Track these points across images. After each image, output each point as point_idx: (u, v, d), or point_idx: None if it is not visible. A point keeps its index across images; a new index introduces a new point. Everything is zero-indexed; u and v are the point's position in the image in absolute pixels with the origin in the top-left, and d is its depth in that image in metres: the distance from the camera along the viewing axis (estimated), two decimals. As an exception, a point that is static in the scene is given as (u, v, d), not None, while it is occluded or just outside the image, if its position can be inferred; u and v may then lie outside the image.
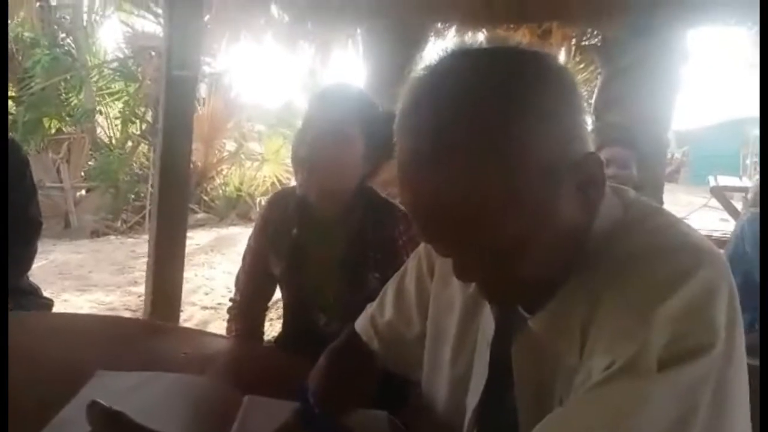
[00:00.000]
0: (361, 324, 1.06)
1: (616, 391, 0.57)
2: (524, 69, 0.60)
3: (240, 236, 7.18)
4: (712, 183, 6.95)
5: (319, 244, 1.44)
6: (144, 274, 4.88)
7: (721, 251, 0.67)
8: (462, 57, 0.62)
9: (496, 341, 0.77)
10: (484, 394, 0.79)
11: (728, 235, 2.60)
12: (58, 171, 7.26)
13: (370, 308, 1.06)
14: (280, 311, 1.66)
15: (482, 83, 0.58)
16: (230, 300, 1.63)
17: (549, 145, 0.58)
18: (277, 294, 1.61)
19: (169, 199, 2.43)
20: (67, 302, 3.93)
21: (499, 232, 0.59)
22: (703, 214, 7.78)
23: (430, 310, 0.92)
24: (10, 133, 1.93)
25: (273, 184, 8.57)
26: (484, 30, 3.91)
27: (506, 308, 0.76)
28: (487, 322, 0.80)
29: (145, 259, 5.35)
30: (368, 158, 1.37)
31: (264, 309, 1.62)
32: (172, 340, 1.33)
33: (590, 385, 0.59)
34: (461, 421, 0.83)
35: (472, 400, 0.81)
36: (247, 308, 1.58)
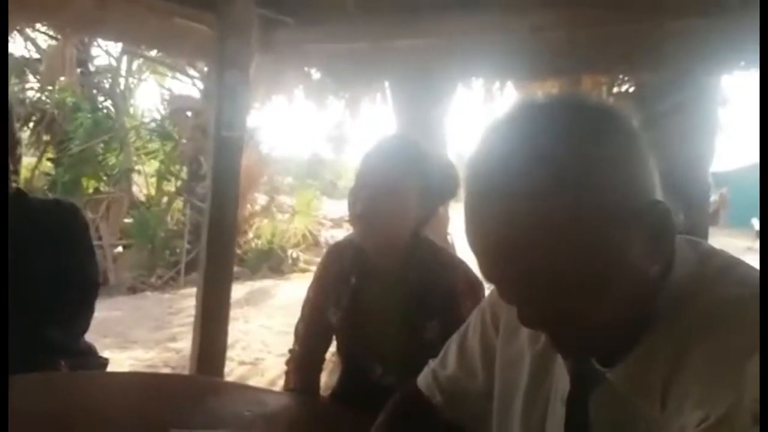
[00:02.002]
0: (422, 379, 1.06)
1: None
2: (590, 120, 0.64)
3: (273, 289, 7.22)
4: (756, 226, 6.74)
5: (376, 293, 1.44)
6: (181, 330, 4.94)
7: None
8: (530, 109, 0.66)
9: (572, 397, 0.76)
10: None
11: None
12: (96, 229, 7.45)
13: (432, 363, 1.06)
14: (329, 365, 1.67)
15: (550, 133, 0.62)
16: (289, 351, 1.64)
17: (615, 191, 0.60)
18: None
19: (217, 255, 2.48)
20: (109, 360, 3.96)
21: (563, 274, 0.60)
22: (750, 257, 7.53)
23: (498, 366, 0.91)
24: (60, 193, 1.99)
25: (304, 236, 8.66)
26: (511, 82, 3.97)
27: (579, 361, 0.75)
28: (561, 378, 0.78)
29: (182, 315, 5.44)
30: (423, 207, 1.39)
31: (322, 359, 1.63)
32: (234, 398, 1.33)
33: None
34: None
35: None
36: (307, 358, 1.59)
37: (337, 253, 1.55)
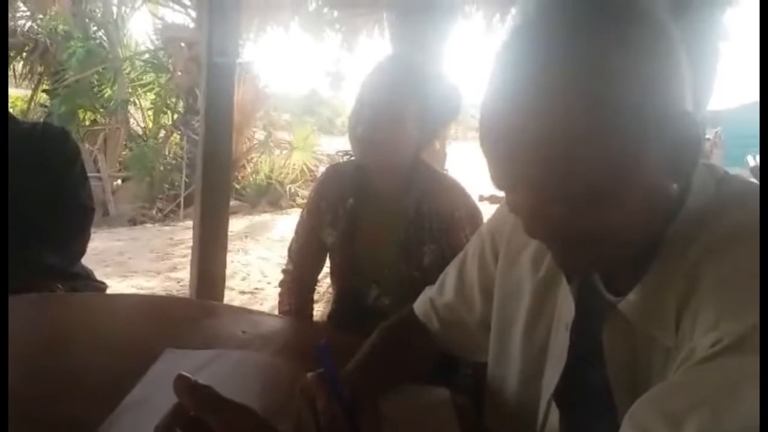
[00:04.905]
0: (418, 304, 1.06)
1: (723, 367, 0.53)
2: (613, 15, 0.57)
3: (271, 223, 7.27)
4: (752, 163, 6.66)
5: (375, 215, 1.44)
6: (182, 261, 5.00)
7: None
8: (550, 10, 0.59)
9: (577, 324, 0.75)
10: (563, 376, 0.77)
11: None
12: (95, 161, 7.43)
13: (429, 291, 1.05)
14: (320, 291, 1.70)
15: (568, 33, 0.56)
16: (282, 271, 1.65)
17: (639, 96, 0.55)
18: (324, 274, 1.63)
19: (213, 182, 2.48)
20: (110, 288, 4.04)
21: (576, 179, 0.56)
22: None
23: (496, 294, 0.90)
24: (56, 124, 1.97)
25: (302, 171, 8.66)
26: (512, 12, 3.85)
27: (585, 286, 0.74)
28: (565, 304, 0.77)
29: (183, 246, 5.50)
30: (424, 129, 1.37)
31: (314, 279, 1.65)
32: (229, 319, 1.34)
33: (694, 361, 0.56)
34: (535, 403, 0.82)
35: (550, 382, 0.80)
36: (299, 277, 1.61)
37: (335, 174, 1.54)
